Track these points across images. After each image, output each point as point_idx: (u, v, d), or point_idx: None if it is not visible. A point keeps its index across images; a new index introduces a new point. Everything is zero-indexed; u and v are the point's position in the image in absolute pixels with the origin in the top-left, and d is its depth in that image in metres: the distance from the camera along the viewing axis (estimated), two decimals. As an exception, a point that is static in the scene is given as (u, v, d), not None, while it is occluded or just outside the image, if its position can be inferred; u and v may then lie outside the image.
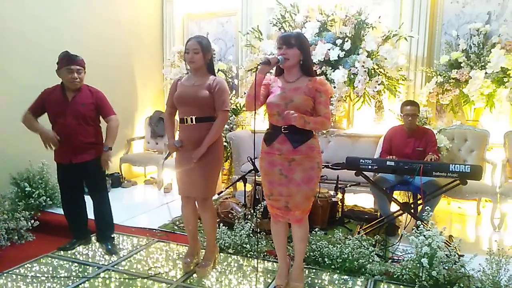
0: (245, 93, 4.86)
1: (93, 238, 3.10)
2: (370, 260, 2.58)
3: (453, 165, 2.76)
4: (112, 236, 3.03)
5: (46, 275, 2.55)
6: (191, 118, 2.40)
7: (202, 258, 2.66)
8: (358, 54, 4.09)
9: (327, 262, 2.60)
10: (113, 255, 2.85)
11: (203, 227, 2.64)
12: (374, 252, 2.64)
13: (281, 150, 2.12)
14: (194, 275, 2.57)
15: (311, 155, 2.13)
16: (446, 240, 2.55)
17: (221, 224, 2.99)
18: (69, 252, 2.92)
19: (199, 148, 2.36)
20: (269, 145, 2.16)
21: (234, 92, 5.21)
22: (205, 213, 2.53)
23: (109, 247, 2.91)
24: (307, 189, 2.13)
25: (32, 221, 3.19)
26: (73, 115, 2.73)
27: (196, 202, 2.57)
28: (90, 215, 3.01)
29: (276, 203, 2.19)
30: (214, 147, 2.42)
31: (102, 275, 2.57)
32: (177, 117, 2.58)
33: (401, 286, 2.41)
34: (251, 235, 2.89)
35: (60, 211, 3.42)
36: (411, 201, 3.43)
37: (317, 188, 2.23)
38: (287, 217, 2.21)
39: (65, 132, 2.74)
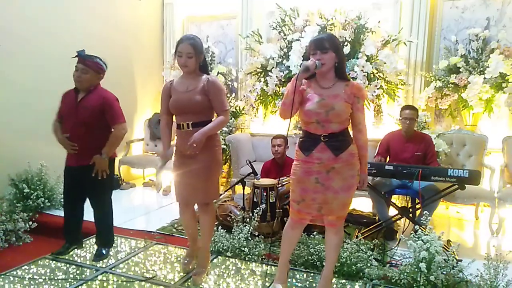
0: (244, 96, 4.88)
1: (87, 242, 3.07)
2: (368, 265, 2.58)
3: (452, 169, 2.77)
4: (111, 242, 2.97)
5: (43, 277, 2.54)
6: (187, 124, 2.35)
7: (196, 265, 2.62)
8: (357, 58, 4.11)
9: (325, 266, 2.60)
10: (97, 261, 2.80)
11: (201, 231, 2.60)
12: (372, 257, 2.64)
13: (321, 159, 2.04)
14: (192, 277, 2.56)
15: (352, 162, 2.07)
16: (444, 245, 2.55)
17: (220, 227, 2.99)
18: (66, 254, 2.91)
19: (197, 135, 2.25)
20: (308, 155, 2.08)
21: (233, 95, 5.23)
22: (205, 216, 2.51)
23: (103, 252, 2.85)
24: (345, 197, 2.08)
25: (30, 222, 3.18)
26: (79, 117, 2.67)
27: (196, 206, 2.56)
28: (86, 217, 2.96)
29: (307, 208, 2.12)
30: (213, 151, 2.40)
31: (99, 277, 2.56)
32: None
33: (399, 291, 2.41)
34: (249, 238, 2.89)
35: (58, 212, 3.43)
36: (409, 205, 3.44)
37: (353, 194, 2.18)
38: (318, 220, 2.17)
39: (72, 133, 2.70)
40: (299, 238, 2.35)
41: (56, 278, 2.54)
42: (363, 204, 4.07)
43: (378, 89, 4.08)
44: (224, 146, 4.64)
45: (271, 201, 3.14)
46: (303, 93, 2.10)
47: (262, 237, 2.94)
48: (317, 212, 2.11)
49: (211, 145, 2.40)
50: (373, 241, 2.85)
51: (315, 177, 2.06)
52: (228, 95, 5.18)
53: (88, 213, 2.93)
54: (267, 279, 2.56)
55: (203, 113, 2.36)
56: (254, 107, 4.79)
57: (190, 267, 2.63)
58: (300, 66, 4.19)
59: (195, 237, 2.66)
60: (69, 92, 2.80)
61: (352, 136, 2.14)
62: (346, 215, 2.18)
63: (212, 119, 2.41)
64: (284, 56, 4.45)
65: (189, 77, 2.40)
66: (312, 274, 2.61)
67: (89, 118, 2.68)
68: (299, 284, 2.51)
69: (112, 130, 2.76)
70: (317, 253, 2.65)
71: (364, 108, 2.12)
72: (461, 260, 2.48)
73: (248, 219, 2.99)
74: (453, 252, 2.41)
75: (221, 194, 3.86)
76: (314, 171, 2.06)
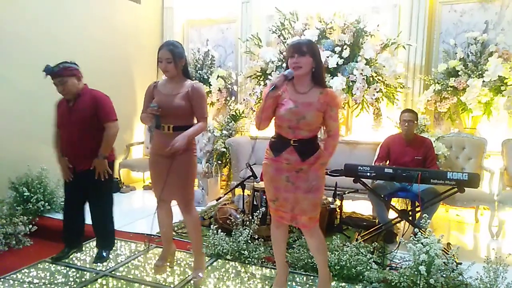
0: (244, 99, 4.90)
1: (87, 245, 3.07)
2: (368, 268, 2.57)
3: (451, 172, 2.77)
4: (112, 245, 2.97)
5: (43, 281, 2.54)
6: (168, 127, 2.39)
7: (194, 269, 2.60)
8: (356, 62, 4.13)
9: (325, 269, 2.60)
10: (99, 263, 2.80)
11: (188, 233, 2.63)
12: (372, 260, 2.63)
13: (289, 160, 2.11)
14: (192, 281, 2.56)
15: (317, 164, 2.11)
16: (444, 248, 2.55)
17: (219, 230, 2.99)
18: (66, 257, 2.90)
19: (180, 138, 2.29)
20: (277, 155, 2.14)
21: (233, 98, 5.24)
22: (187, 217, 2.53)
23: (103, 255, 2.85)
24: (314, 197, 2.12)
25: (30, 226, 3.18)
26: (75, 121, 2.68)
27: (178, 207, 2.56)
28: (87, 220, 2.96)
29: (282, 207, 2.18)
30: (190, 154, 2.44)
31: (99, 280, 2.56)
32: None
33: (399, 294, 2.41)
34: (249, 241, 2.89)
35: (58, 216, 3.42)
36: (409, 208, 3.44)
37: (322, 196, 2.23)
38: (293, 221, 2.20)
39: (69, 139, 2.69)
40: (286, 237, 2.37)
41: (56, 281, 2.54)
42: (363, 207, 4.08)
43: (377, 92, 4.10)
44: (224, 149, 4.65)
45: (271, 204, 3.14)
46: (278, 98, 2.13)
47: (262, 240, 2.94)
48: (291, 212, 2.16)
49: (189, 148, 2.43)
50: (373, 244, 2.85)
51: (285, 175, 2.13)
52: (228, 98, 5.21)
53: (87, 216, 2.93)
54: (266, 282, 2.56)
55: (184, 118, 2.40)
56: (254, 110, 4.81)
57: (162, 269, 2.64)
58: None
59: (169, 238, 2.71)
60: (62, 101, 2.78)
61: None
62: (317, 216, 2.19)
63: (192, 125, 2.43)
64: (283, 60, 4.47)
65: (173, 81, 2.45)
66: (312, 277, 2.61)
67: (83, 120, 2.69)
68: (299, 287, 2.51)
69: (105, 129, 2.75)
70: (317, 256, 2.65)
71: (337, 116, 2.13)
72: (460, 263, 2.48)
73: (247, 222, 2.99)
74: (453, 255, 2.41)
75: (221, 197, 3.87)
76: (284, 170, 2.13)
